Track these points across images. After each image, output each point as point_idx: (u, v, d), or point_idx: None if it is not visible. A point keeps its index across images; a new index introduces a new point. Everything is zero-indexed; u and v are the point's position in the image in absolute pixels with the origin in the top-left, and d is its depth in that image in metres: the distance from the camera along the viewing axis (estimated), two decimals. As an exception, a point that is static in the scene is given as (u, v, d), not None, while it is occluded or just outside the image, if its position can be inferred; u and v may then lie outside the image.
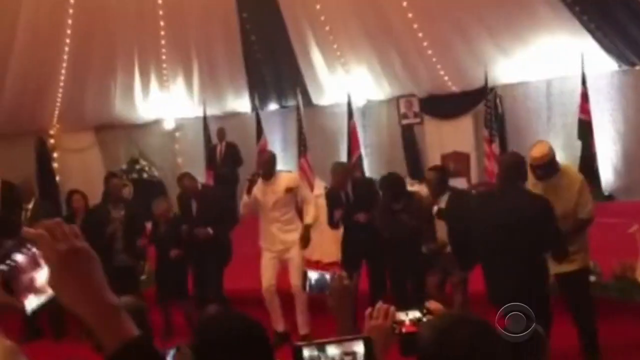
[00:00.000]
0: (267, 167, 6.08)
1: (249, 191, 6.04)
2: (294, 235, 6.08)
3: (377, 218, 5.87)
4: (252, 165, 7.05)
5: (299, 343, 1.67)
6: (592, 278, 5.20)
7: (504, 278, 4.22)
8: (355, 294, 5.89)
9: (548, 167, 4.52)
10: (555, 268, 4.59)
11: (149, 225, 6.83)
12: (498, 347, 1.64)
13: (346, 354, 1.67)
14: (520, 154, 4.65)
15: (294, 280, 6.00)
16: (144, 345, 1.11)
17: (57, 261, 1.10)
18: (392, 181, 5.96)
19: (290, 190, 6.04)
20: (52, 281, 1.11)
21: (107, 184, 7.22)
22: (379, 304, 2.00)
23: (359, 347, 1.69)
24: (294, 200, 6.17)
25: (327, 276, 2.20)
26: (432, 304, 2.03)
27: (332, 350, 1.66)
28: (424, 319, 1.96)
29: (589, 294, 4.81)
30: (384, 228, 5.76)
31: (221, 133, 11.30)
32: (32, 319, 6.12)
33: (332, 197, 6.25)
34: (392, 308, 1.99)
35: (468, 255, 5.05)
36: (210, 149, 11.52)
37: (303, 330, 5.98)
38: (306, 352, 1.66)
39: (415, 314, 1.99)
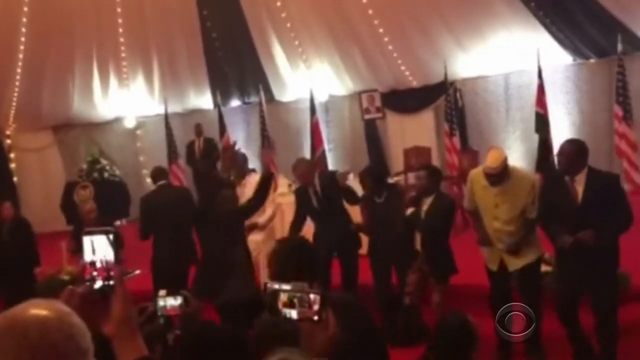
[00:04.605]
0: (240, 168, 6.04)
1: None
2: (259, 236, 6.13)
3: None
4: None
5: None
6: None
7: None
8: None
9: (502, 174, 4.73)
10: (515, 263, 4.81)
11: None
12: None
13: None
14: (581, 141, 4.70)
15: (264, 280, 6.04)
16: None
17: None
18: (374, 174, 5.82)
19: None
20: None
21: None
22: None
23: None
24: None
25: None
26: None
27: None
28: None
29: (540, 284, 4.97)
30: (367, 221, 5.68)
31: (199, 128, 11.11)
32: None
33: (301, 194, 5.94)
34: None
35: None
36: (188, 145, 11.27)
37: None
38: None
39: None
